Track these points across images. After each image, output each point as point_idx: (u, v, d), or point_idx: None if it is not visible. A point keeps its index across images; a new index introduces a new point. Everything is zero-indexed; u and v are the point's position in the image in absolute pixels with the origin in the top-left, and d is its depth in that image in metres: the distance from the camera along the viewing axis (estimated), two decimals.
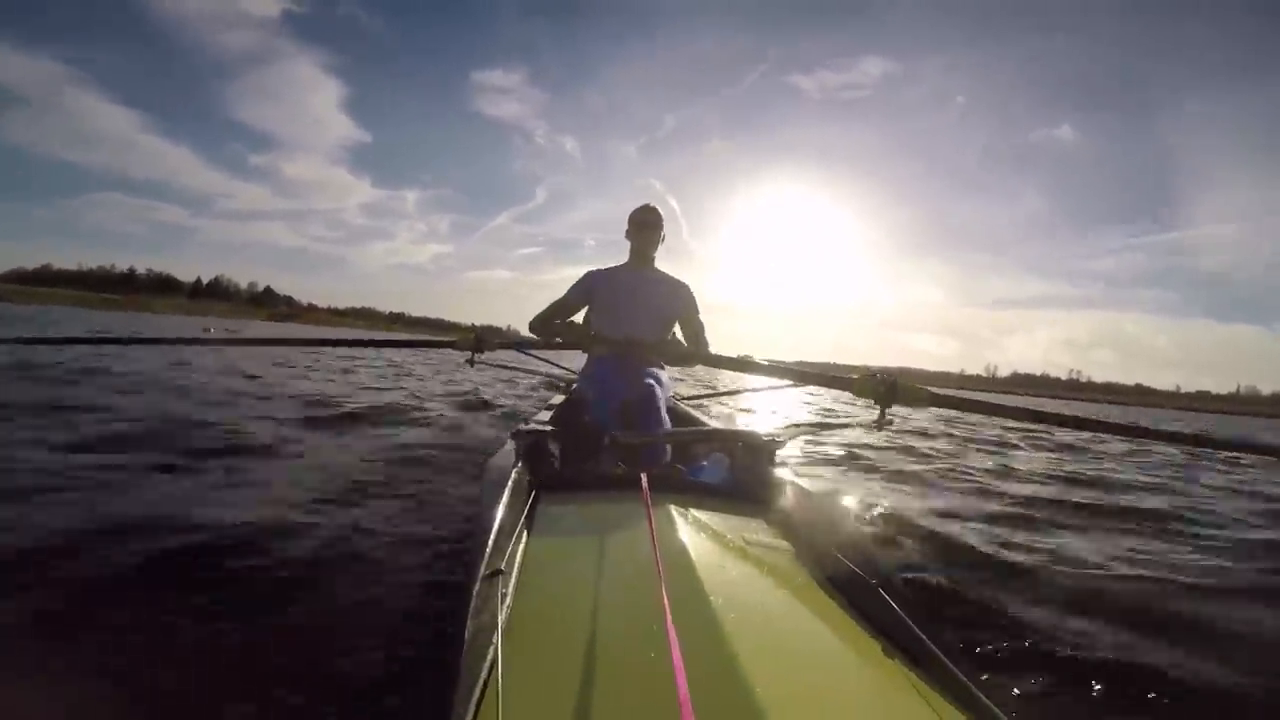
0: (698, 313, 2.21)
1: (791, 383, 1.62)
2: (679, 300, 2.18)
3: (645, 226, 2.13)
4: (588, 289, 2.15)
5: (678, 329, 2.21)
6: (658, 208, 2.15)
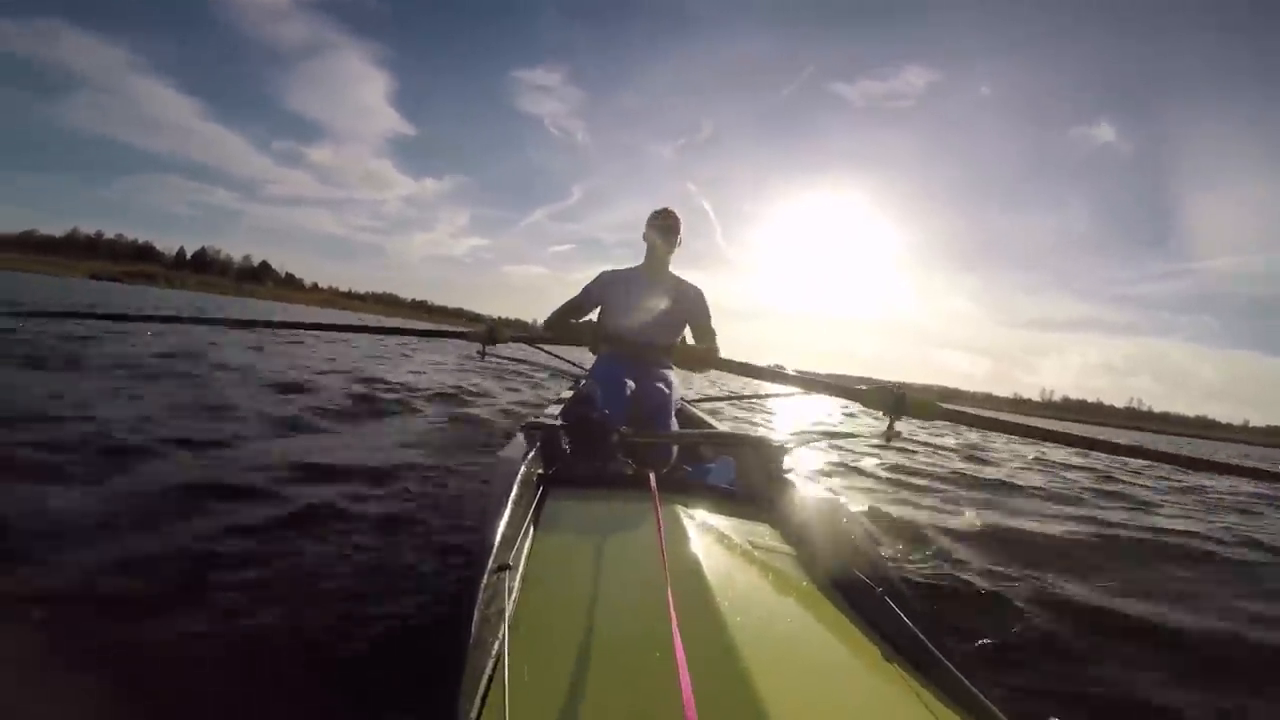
0: (710, 318, 2.32)
1: (800, 390, 1.70)
2: (691, 304, 2.29)
3: (663, 230, 2.24)
4: (601, 289, 2.28)
5: (689, 333, 2.32)
6: (675, 212, 2.26)
